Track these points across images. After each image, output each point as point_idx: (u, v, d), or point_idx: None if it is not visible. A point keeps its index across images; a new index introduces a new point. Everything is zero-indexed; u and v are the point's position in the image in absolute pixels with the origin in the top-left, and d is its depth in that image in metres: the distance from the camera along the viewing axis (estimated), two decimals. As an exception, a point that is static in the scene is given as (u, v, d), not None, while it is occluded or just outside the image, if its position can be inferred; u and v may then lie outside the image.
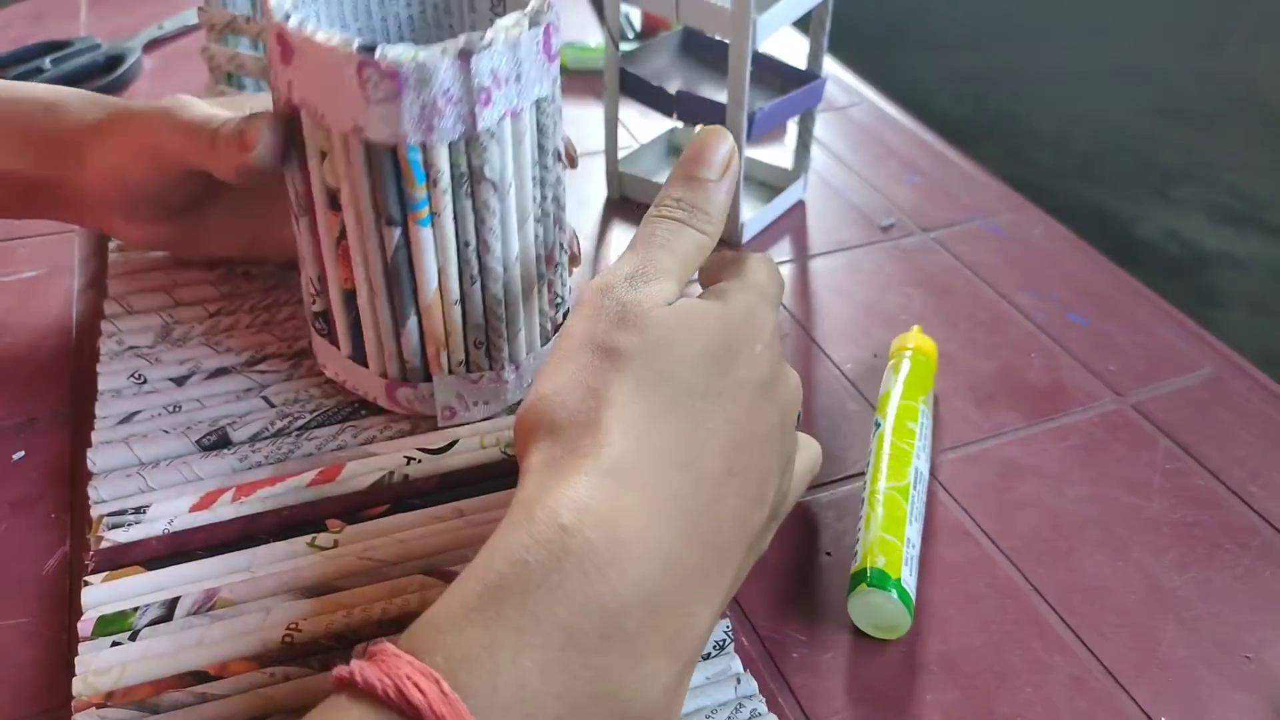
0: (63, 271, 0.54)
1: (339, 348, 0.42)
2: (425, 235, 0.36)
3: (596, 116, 0.69)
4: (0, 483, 0.41)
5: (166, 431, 0.42)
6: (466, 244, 0.37)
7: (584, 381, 0.29)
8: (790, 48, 0.80)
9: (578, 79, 0.76)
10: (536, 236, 0.40)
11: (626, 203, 0.62)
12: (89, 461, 0.40)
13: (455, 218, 0.36)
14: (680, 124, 0.66)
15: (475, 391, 0.42)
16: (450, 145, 0.33)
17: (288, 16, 0.33)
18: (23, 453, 0.43)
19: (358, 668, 0.23)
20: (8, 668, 0.34)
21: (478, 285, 0.39)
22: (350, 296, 0.40)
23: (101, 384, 0.44)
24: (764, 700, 0.33)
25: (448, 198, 0.35)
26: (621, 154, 0.62)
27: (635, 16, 0.83)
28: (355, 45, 0.32)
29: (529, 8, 0.34)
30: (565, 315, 0.45)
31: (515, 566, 0.24)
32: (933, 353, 0.47)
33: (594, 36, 0.82)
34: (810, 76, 0.59)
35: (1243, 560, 0.41)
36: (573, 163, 0.42)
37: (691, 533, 0.26)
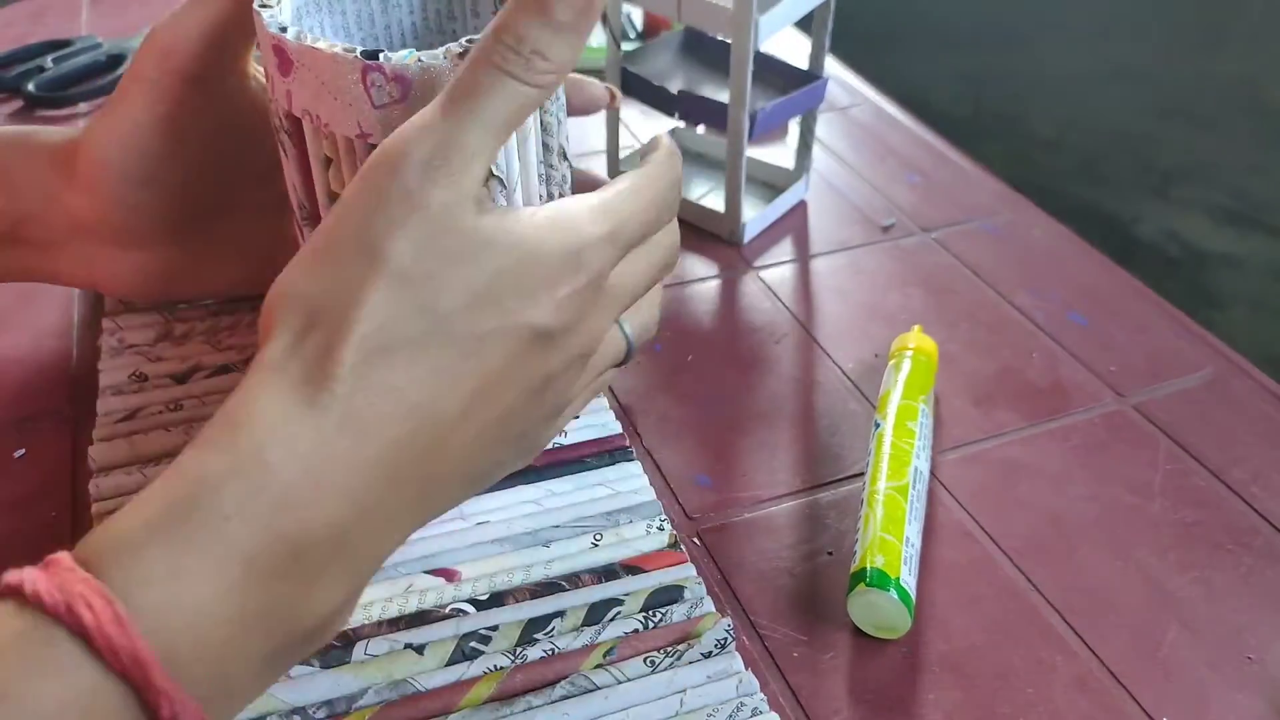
0: (64, 270, 0.54)
1: None
2: None
3: (598, 116, 0.69)
4: (1, 481, 0.41)
5: (167, 429, 0.42)
6: None
7: (336, 289, 0.26)
8: (792, 48, 0.80)
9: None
10: None
11: (627, 202, 0.62)
12: (89, 459, 0.40)
13: None
14: (682, 124, 0.66)
15: None
16: None
17: (283, 29, 0.33)
18: (23, 450, 0.43)
19: (30, 577, 0.23)
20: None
21: None
22: None
23: (102, 381, 0.44)
24: (765, 699, 0.33)
25: None
26: (623, 154, 0.62)
27: (637, 16, 0.83)
28: (358, 51, 0.32)
29: None
30: None
31: (207, 493, 0.24)
32: (933, 352, 0.47)
33: (596, 36, 0.82)
34: (812, 77, 0.59)
35: (1244, 560, 0.41)
36: (614, 99, 0.42)
37: (399, 475, 0.26)
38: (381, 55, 0.32)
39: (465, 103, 0.27)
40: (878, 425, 0.43)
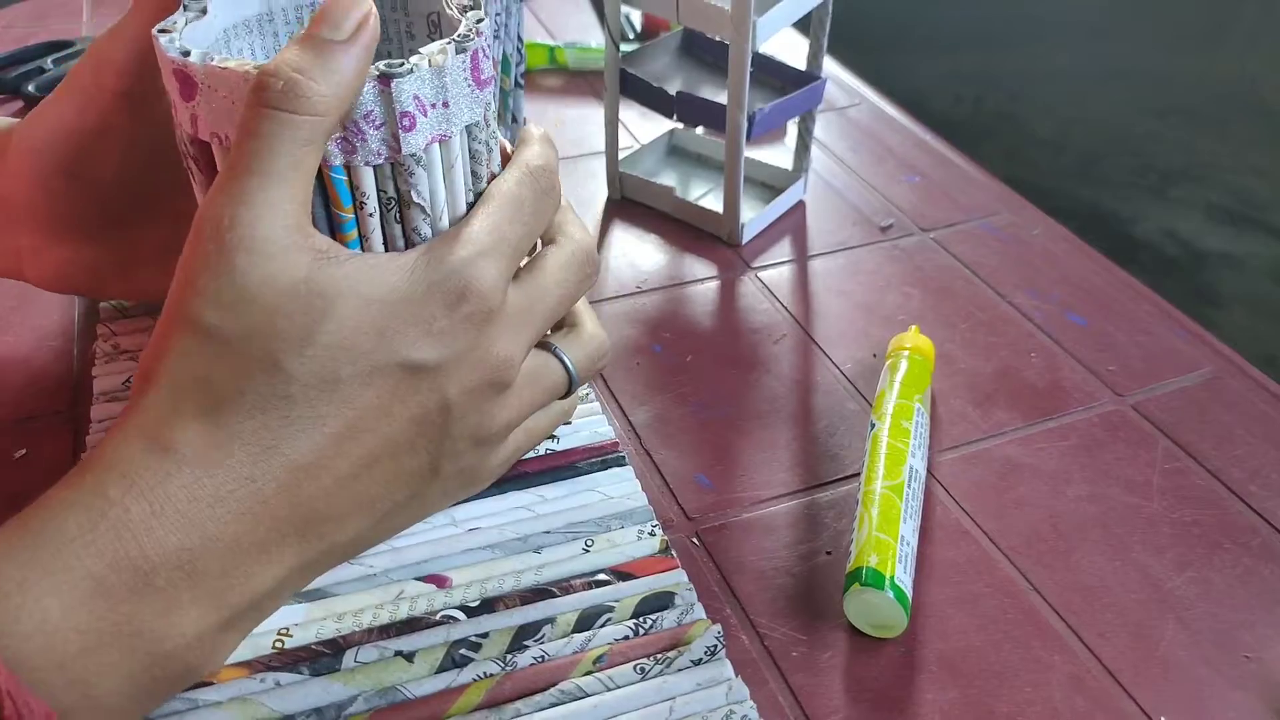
0: (63, 272, 0.54)
1: None
2: None
3: (597, 117, 0.69)
4: (1, 480, 0.41)
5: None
6: None
7: (174, 365, 0.28)
8: (790, 48, 0.81)
9: (578, 79, 0.76)
10: None
11: (627, 203, 0.62)
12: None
13: (385, 242, 0.36)
14: (680, 125, 0.66)
15: None
16: (376, 169, 0.33)
17: (185, 54, 0.32)
18: (24, 451, 0.43)
19: None
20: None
21: None
22: None
23: (96, 387, 0.44)
24: (754, 706, 0.33)
25: (375, 220, 0.34)
26: (622, 154, 0.62)
27: (636, 17, 0.83)
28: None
29: (457, 34, 0.34)
30: None
31: (57, 519, 0.26)
32: (930, 352, 0.47)
33: (595, 37, 0.82)
34: (810, 77, 0.59)
35: (1242, 560, 0.41)
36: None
37: (253, 510, 0.27)
38: None
39: (247, 156, 0.27)
40: (873, 425, 0.43)
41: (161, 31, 0.33)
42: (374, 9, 0.30)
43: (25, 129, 0.40)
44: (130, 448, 0.27)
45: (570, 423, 0.44)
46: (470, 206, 0.34)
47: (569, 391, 0.36)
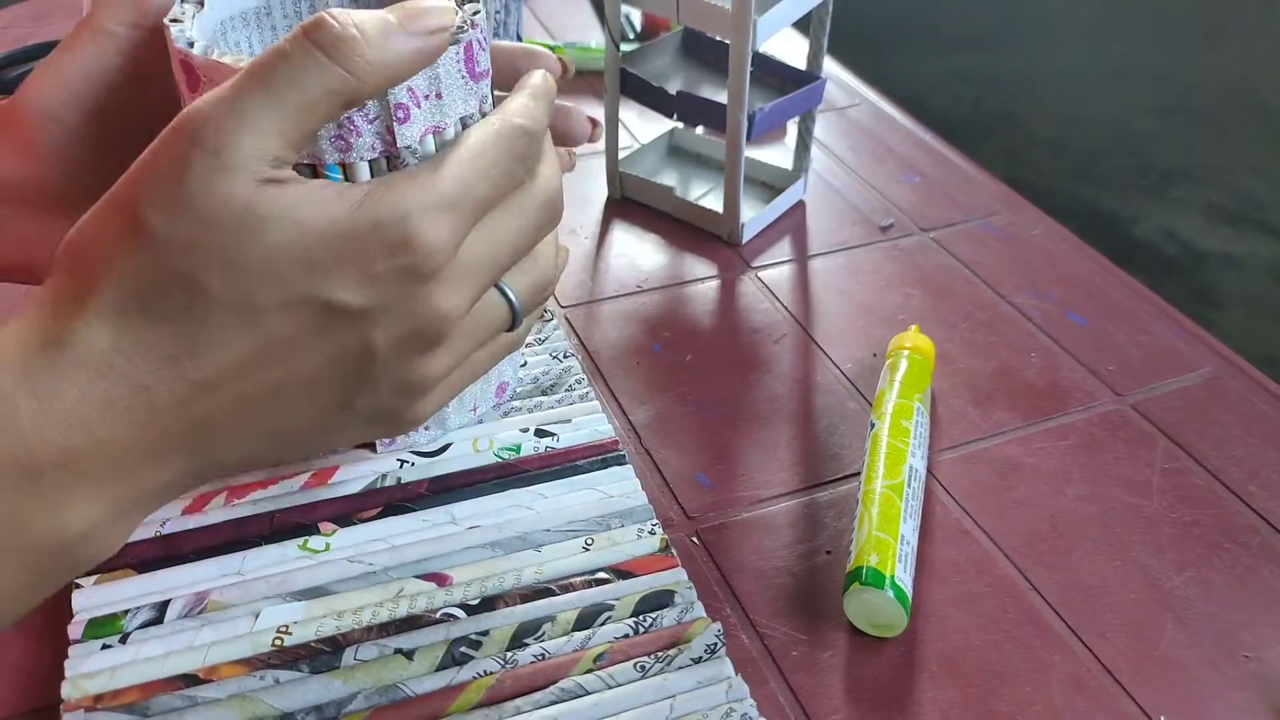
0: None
1: None
2: None
3: (597, 116, 0.69)
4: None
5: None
6: None
7: (96, 244, 0.27)
8: (790, 48, 0.81)
9: (579, 79, 0.76)
10: None
11: (627, 203, 0.62)
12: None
13: None
14: (680, 125, 0.66)
15: None
16: (371, 164, 0.33)
17: (191, 44, 0.33)
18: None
19: None
20: (8, 663, 0.35)
21: None
22: None
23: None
24: (754, 704, 0.33)
25: None
26: (622, 154, 0.62)
27: (636, 17, 0.83)
28: None
29: (451, 25, 0.34)
30: None
31: None
32: (930, 352, 0.47)
33: (595, 37, 0.82)
34: (810, 77, 0.59)
35: (1242, 560, 0.41)
36: (595, 129, 0.40)
37: (144, 416, 0.27)
38: None
39: (262, 73, 0.26)
40: (873, 425, 0.43)
41: (173, 21, 0.34)
42: (450, 28, 0.29)
43: (36, 90, 0.37)
44: (27, 340, 0.27)
45: (525, 363, 0.43)
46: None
47: (514, 325, 0.33)
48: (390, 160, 0.33)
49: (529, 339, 0.48)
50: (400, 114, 0.32)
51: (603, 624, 0.35)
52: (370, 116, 0.32)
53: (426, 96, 0.33)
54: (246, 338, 0.27)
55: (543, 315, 0.50)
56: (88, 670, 0.33)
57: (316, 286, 0.27)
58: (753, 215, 0.59)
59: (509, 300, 0.32)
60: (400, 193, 0.28)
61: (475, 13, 0.35)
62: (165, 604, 0.35)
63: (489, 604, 0.36)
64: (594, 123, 0.40)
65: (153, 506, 0.29)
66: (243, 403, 0.28)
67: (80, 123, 0.37)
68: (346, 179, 0.33)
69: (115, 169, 0.38)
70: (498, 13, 0.50)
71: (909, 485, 0.40)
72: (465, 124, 0.34)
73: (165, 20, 0.33)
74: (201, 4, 0.35)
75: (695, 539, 0.40)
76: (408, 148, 0.32)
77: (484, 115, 0.35)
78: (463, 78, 0.33)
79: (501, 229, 0.30)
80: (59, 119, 0.37)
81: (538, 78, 0.33)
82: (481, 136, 0.30)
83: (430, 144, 0.33)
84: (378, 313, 0.28)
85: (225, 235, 0.26)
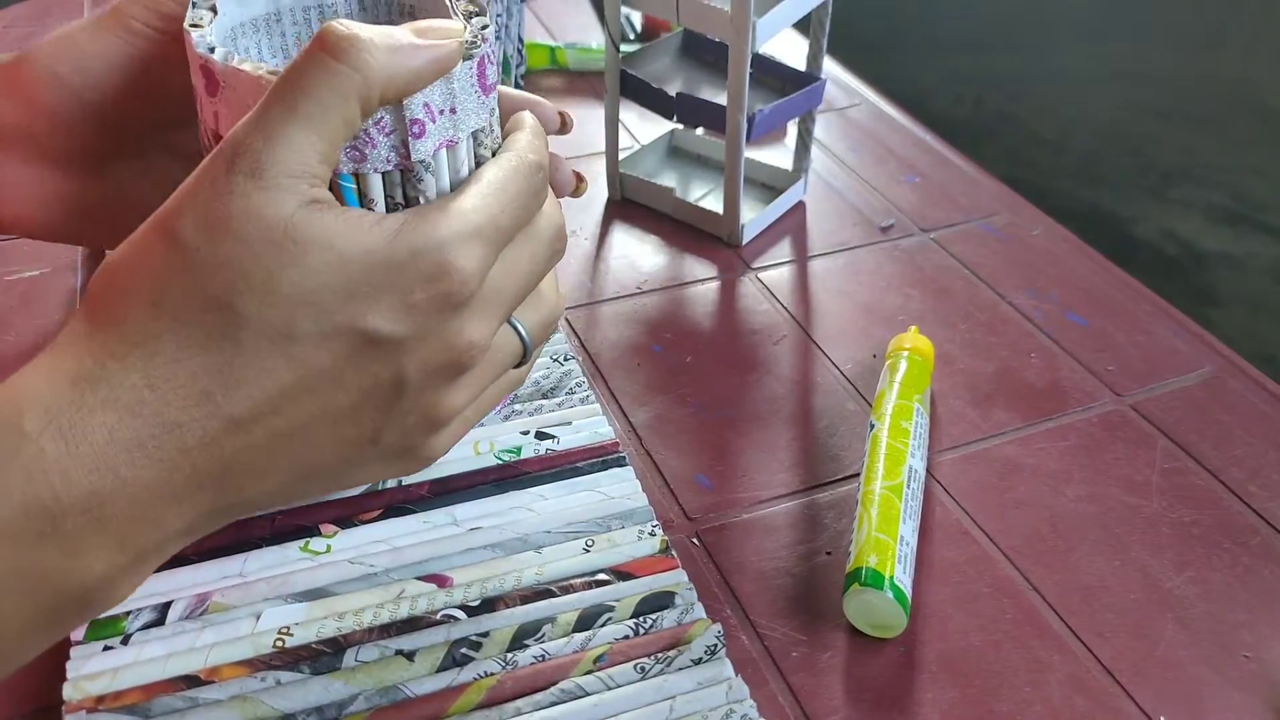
0: (65, 270, 0.54)
1: None
2: None
3: (597, 118, 0.69)
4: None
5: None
6: None
7: (133, 269, 0.27)
8: (790, 49, 0.81)
9: (578, 80, 0.77)
10: None
11: (627, 204, 0.63)
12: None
13: None
14: (680, 125, 0.66)
15: None
16: (385, 175, 0.33)
17: (211, 49, 0.33)
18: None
19: None
20: (10, 667, 0.35)
21: None
22: None
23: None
24: (754, 705, 0.33)
25: None
26: (622, 155, 0.62)
27: (636, 18, 0.83)
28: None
29: (464, 40, 0.34)
30: None
31: None
32: (929, 352, 0.47)
33: (595, 38, 0.82)
34: (810, 78, 0.59)
35: (1241, 559, 0.41)
36: (579, 189, 0.41)
37: (173, 457, 0.26)
38: None
39: (282, 91, 0.27)
40: (873, 426, 0.43)
41: (193, 26, 0.34)
42: (461, 43, 0.30)
43: (48, 51, 0.37)
44: (57, 377, 0.26)
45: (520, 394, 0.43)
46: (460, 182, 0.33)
47: (523, 361, 0.34)
48: (404, 174, 0.33)
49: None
50: (416, 129, 0.32)
51: (603, 625, 0.35)
52: (386, 129, 0.32)
53: (442, 111, 0.33)
54: (283, 368, 0.27)
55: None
56: (89, 671, 0.33)
57: (356, 316, 0.27)
58: (753, 216, 0.59)
59: (520, 335, 0.33)
60: (434, 223, 0.28)
61: (484, 27, 0.35)
62: (167, 605, 0.35)
63: (489, 605, 0.36)
64: (563, 117, 0.40)
65: (167, 552, 0.28)
66: (274, 439, 0.28)
67: (86, 92, 0.37)
68: (359, 190, 0.33)
69: (112, 150, 0.39)
70: (500, 15, 0.50)
71: (908, 486, 0.40)
72: (477, 138, 0.35)
73: (185, 25, 0.33)
74: (214, 10, 0.35)
75: (695, 540, 0.40)
76: (421, 161, 0.33)
77: (493, 129, 0.35)
78: (476, 92, 0.34)
79: (519, 260, 0.31)
80: (65, 83, 0.37)
81: (531, 119, 0.34)
82: (502, 170, 0.31)
83: (444, 158, 0.34)
84: (414, 342, 0.28)
85: (265, 259, 0.26)
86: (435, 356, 0.29)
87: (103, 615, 0.35)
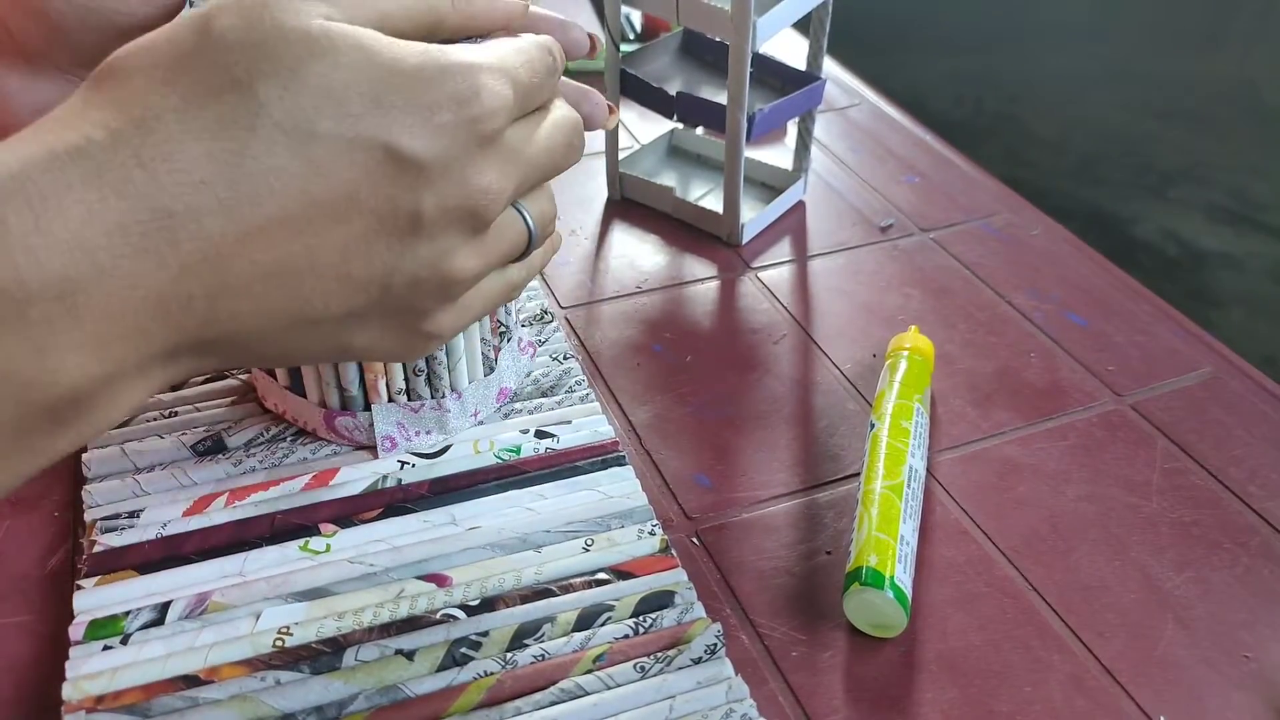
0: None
1: (276, 378, 0.42)
2: None
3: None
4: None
5: (161, 436, 0.42)
6: None
7: (153, 50, 0.24)
8: (790, 49, 0.81)
9: (579, 80, 0.76)
10: None
11: (627, 203, 0.62)
12: (84, 466, 0.40)
13: None
14: (680, 125, 0.66)
15: (416, 420, 0.41)
16: None
17: None
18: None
19: None
20: (10, 664, 0.35)
21: None
22: None
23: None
24: (754, 705, 0.33)
25: None
26: (622, 155, 0.62)
27: (636, 18, 0.83)
28: None
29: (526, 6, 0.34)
30: (509, 342, 0.44)
31: None
32: (929, 352, 0.47)
33: (594, 37, 0.82)
34: (810, 78, 0.59)
35: (1241, 559, 0.41)
36: (612, 114, 0.40)
37: (163, 250, 0.23)
38: None
39: None
40: (873, 425, 0.43)
41: (190, 4, 0.34)
42: (525, 6, 0.31)
43: None
44: (32, 147, 0.23)
45: (530, 373, 0.44)
46: None
47: (525, 253, 0.32)
48: None
49: (530, 339, 0.48)
50: None
51: (603, 624, 0.35)
52: None
53: None
54: (296, 169, 0.24)
55: (545, 317, 0.50)
56: (89, 671, 0.33)
57: (380, 127, 0.25)
58: (753, 216, 0.59)
59: (525, 221, 0.31)
60: (466, 50, 0.27)
61: None
62: (166, 605, 0.35)
63: (489, 605, 0.36)
64: (593, 40, 0.39)
65: (152, 384, 0.25)
66: (276, 257, 0.25)
67: (94, 19, 0.34)
68: None
69: (96, 38, 0.34)
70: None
71: (909, 486, 0.40)
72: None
73: (188, 5, 0.33)
74: None
75: (695, 539, 0.40)
76: None
77: None
78: None
79: (538, 131, 0.30)
80: (80, 4, 0.34)
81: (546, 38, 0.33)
82: (522, 39, 0.30)
83: None
84: (437, 170, 0.26)
85: (296, 46, 0.24)
86: (454, 194, 0.27)
87: (103, 616, 0.35)
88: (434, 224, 0.27)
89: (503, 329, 0.43)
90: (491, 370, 0.43)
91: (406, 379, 0.40)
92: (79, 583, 0.36)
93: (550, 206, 0.32)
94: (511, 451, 0.42)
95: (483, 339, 0.42)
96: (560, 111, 0.31)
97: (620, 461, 0.42)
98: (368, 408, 0.41)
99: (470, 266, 0.28)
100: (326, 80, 0.24)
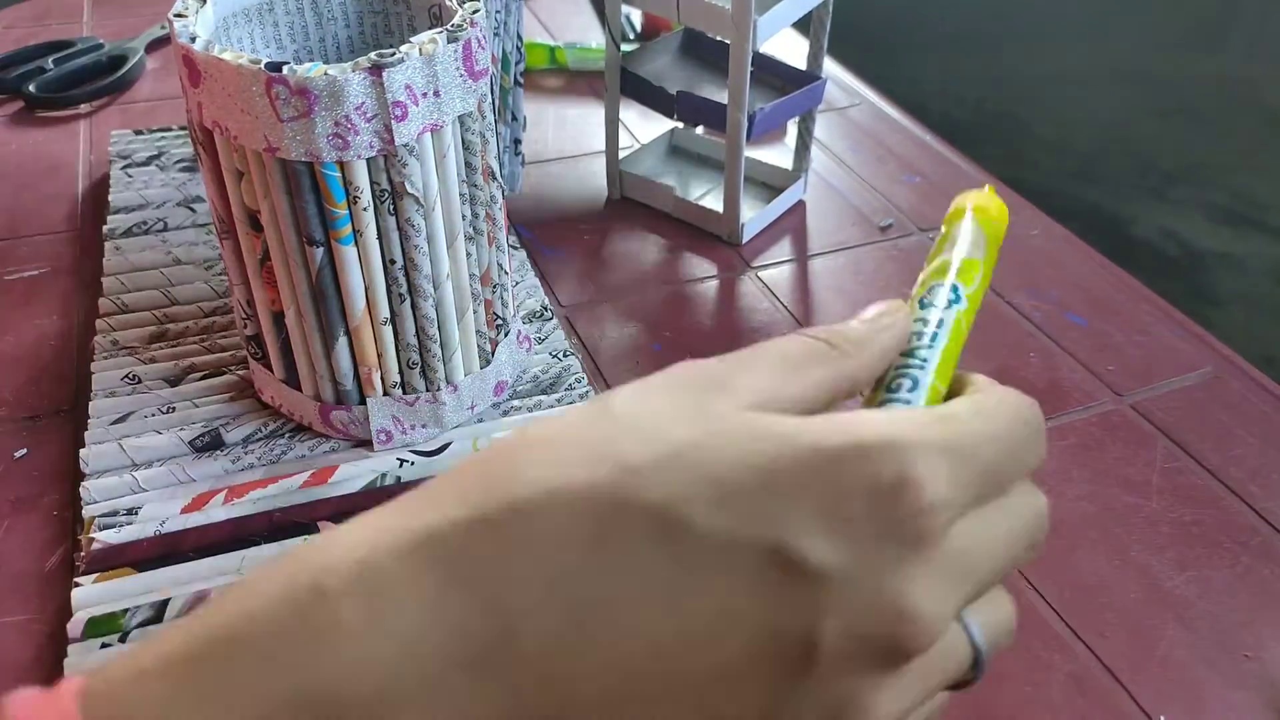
0: (65, 270, 0.54)
1: (272, 371, 0.42)
2: (349, 254, 0.36)
3: (597, 117, 0.69)
4: (3, 480, 0.41)
5: (159, 432, 0.42)
6: (393, 262, 0.36)
7: (547, 432, 0.21)
8: (790, 48, 0.81)
9: (579, 79, 0.76)
10: (469, 255, 0.39)
11: (627, 203, 0.62)
12: (82, 462, 0.40)
13: (379, 235, 0.35)
14: (680, 124, 0.66)
15: (411, 414, 0.41)
16: (369, 161, 0.33)
17: (193, 39, 0.33)
18: (25, 450, 0.43)
19: (22, 699, 0.20)
20: (9, 663, 0.35)
21: (408, 304, 0.38)
22: (279, 319, 0.39)
23: (95, 384, 0.44)
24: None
25: (370, 215, 0.34)
26: (622, 154, 0.62)
27: (636, 17, 0.83)
28: (263, 64, 0.32)
29: (451, 23, 0.34)
30: (506, 336, 0.44)
31: (241, 621, 0.19)
32: (1001, 216, 0.30)
33: (595, 37, 0.82)
34: (810, 77, 0.59)
35: (1241, 559, 0.41)
36: None
37: (478, 656, 0.19)
38: (286, 68, 0.32)
39: (764, 347, 0.23)
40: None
41: (177, 16, 0.34)
42: (893, 309, 0.25)
43: None
44: (388, 520, 0.20)
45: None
46: (464, 198, 0.33)
47: (971, 680, 0.22)
48: (388, 159, 0.33)
49: (528, 334, 0.47)
50: (398, 112, 0.32)
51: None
52: (369, 115, 0.32)
53: (424, 94, 0.33)
54: (657, 569, 0.19)
55: (544, 315, 0.50)
56: (86, 669, 0.33)
57: (772, 521, 0.19)
58: (753, 215, 0.59)
59: (972, 638, 0.22)
60: (890, 420, 0.20)
61: (475, 11, 0.35)
62: (165, 603, 0.35)
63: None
64: None
65: None
66: (622, 686, 0.19)
67: None
68: (344, 178, 0.33)
69: None
70: (498, 12, 0.50)
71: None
72: (464, 122, 0.34)
73: (170, 14, 0.33)
74: (203, 0, 0.35)
75: (695, 539, 0.40)
76: (405, 145, 0.32)
77: (483, 115, 0.35)
78: (460, 75, 0.33)
79: (994, 527, 0.21)
80: None
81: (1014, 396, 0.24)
82: (985, 395, 0.23)
83: (428, 143, 0.33)
84: (840, 585, 0.19)
85: (681, 424, 0.20)
86: (865, 619, 0.19)
87: (101, 614, 0.35)
88: (834, 658, 0.19)
89: (500, 321, 0.43)
90: (488, 363, 0.43)
91: (401, 372, 0.40)
92: (77, 580, 0.36)
93: (1008, 613, 0.23)
94: (511, 451, 0.42)
95: (479, 331, 0.42)
96: (1025, 498, 0.22)
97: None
98: (363, 401, 0.41)
99: (881, 712, 0.20)
100: (708, 458, 0.19)
